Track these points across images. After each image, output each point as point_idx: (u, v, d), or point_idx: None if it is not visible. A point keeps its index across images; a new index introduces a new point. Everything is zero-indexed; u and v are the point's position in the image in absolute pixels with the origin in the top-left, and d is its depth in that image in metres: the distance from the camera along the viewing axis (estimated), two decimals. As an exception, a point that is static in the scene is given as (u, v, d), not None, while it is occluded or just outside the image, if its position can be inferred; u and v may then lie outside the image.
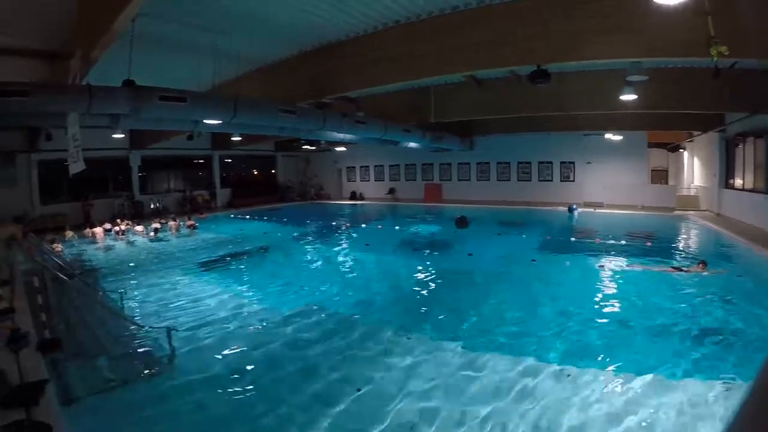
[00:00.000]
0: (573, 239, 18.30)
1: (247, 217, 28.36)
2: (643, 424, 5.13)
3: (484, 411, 5.46)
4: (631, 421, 5.18)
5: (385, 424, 5.27)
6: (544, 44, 10.55)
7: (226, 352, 7.67)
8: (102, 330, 8.39)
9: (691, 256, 13.72)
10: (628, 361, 6.70)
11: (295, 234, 21.15)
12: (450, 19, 11.54)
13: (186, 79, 15.32)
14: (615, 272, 12.24)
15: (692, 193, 25.45)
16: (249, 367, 7.08)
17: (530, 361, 6.80)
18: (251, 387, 6.39)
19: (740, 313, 8.62)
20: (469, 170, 32.48)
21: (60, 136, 15.48)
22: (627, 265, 12.83)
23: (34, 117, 13.26)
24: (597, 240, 17.00)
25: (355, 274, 13.55)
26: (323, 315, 9.42)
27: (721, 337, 7.49)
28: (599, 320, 8.73)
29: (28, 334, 5.26)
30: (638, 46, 9.73)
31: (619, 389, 5.89)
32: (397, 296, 11.07)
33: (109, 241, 19.68)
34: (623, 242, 16.37)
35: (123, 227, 21.04)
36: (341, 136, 20.83)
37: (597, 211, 25.10)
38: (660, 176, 28.81)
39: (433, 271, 13.18)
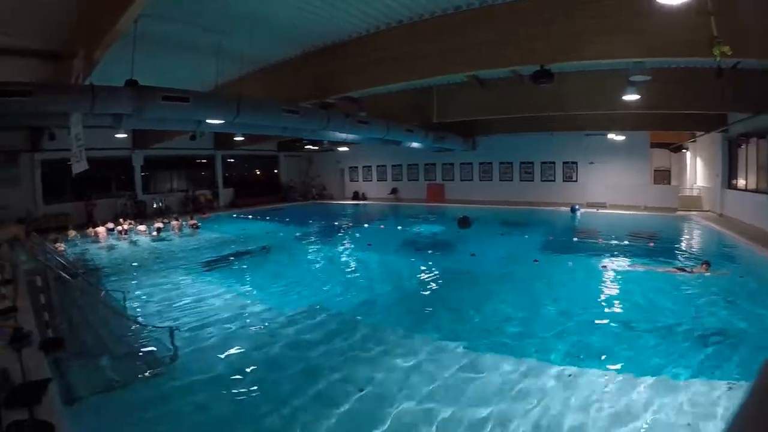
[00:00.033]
0: (575, 239, 18.27)
1: (250, 217, 28.36)
2: (646, 424, 5.12)
3: (486, 412, 5.45)
4: (633, 421, 5.16)
5: (388, 425, 5.27)
6: (545, 44, 10.56)
7: (228, 352, 7.66)
8: (104, 329, 8.41)
9: (694, 256, 13.68)
10: (632, 362, 6.69)
11: (298, 234, 21.15)
12: (452, 19, 11.55)
13: (188, 80, 15.34)
14: (618, 273, 12.22)
15: (695, 193, 25.42)
16: (251, 367, 7.08)
17: (532, 361, 6.79)
18: (253, 387, 6.39)
19: (743, 313, 8.61)
20: (472, 170, 32.46)
21: (63, 135, 15.50)
22: (630, 266, 12.81)
23: (37, 117, 13.27)
24: (600, 240, 16.97)
25: (357, 275, 13.54)
26: (326, 315, 9.40)
27: (725, 338, 7.47)
28: (602, 321, 8.69)
29: (30, 333, 5.27)
30: (638, 46, 9.74)
31: (622, 390, 5.86)
32: (399, 296, 11.07)
33: (112, 241, 19.71)
34: (626, 243, 16.34)
35: (126, 227, 21.07)
36: (344, 136, 20.82)
37: (599, 211, 25.05)
38: (663, 176, 28.76)
39: (436, 272, 13.16)
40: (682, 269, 11.73)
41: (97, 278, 12.60)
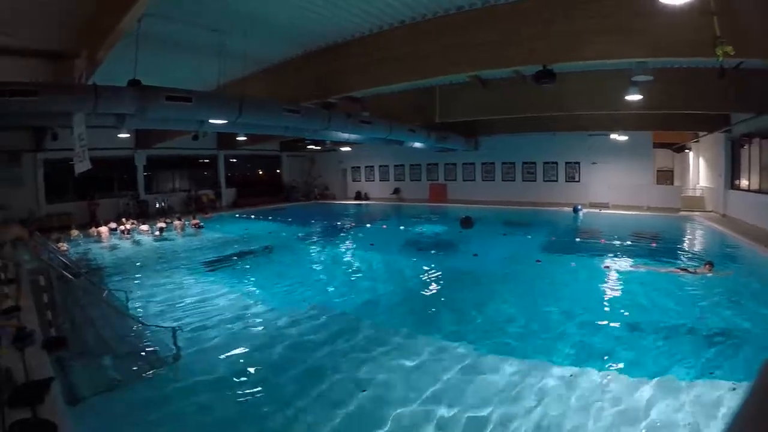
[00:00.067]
0: (578, 240, 18.26)
1: (252, 216, 28.38)
2: (648, 425, 5.12)
3: (489, 412, 5.45)
4: (636, 422, 5.16)
5: (390, 426, 5.27)
6: (545, 44, 10.57)
7: (231, 352, 7.66)
8: (107, 329, 8.43)
9: (697, 257, 13.65)
10: (635, 363, 6.68)
11: (300, 234, 21.17)
12: (455, 19, 11.55)
13: (191, 80, 15.38)
14: (620, 273, 12.20)
15: (698, 193, 25.36)
16: (254, 368, 7.09)
17: (534, 362, 6.78)
18: (257, 387, 6.39)
19: (747, 313, 8.58)
20: (474, 170, 32.47)
21: (66, 135, 15.53)
22: (632, 266, 12.78)
23: (40, 117, 13.28)
24: (602, 241, 16.93)
25: (360, 275, 13.53)
26: (328, 315, 9.39)
27: (729, 339, 7.45)
28: (604, 321, 8.68)
29: (33, 332, 5.28)
30: (639, 46, 9.75)
31: (624, 390, 5.85)
32: (402, 297, 11.06)
33: (115, 241, 19.74)
34: (628, 243, 16.30)
35: (128, 226, 21.12)
36: (346, 136, 20.82)
37: (602, 211, 25.00)
38: (665, 177, 28.75)
39: (438, 272, 13.14)
40: (686, 270, 11.70)
41: (99, 278, 12.60)
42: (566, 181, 28.78)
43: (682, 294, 10.09)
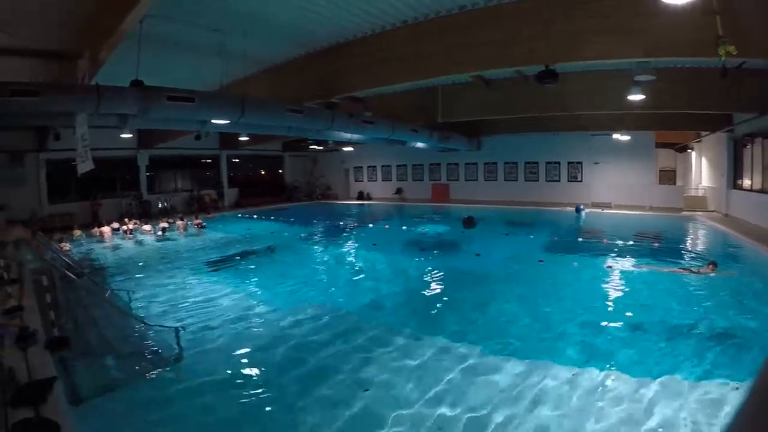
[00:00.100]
0: (580, 240, 18.26)
1: (255, 216, 28.39)
2: (651, 425, 5.11)
3: (491, 413, 5.45)
4: (638, 422, 5.15)
5: (392, 426, 5.27)
6: (545, 44, 10.60)
7: (233, 352, 7.67)
8: (110, 329, 8.43)
9: (700, 256, 13.63)
10: (638, 363, 6.67)
11: (303, 234, 21.15)
12: (457, 18, 11.56)
13: (193, 80, 15.42)
14: (623, 273, 12.17)
15: (700, 193, 25.29)
16: (257, 368, 7.11)
17: (537, 362, 6.76)
18: (259, 387, 6.39)
19: (751, 313, 8.56)
20: (477, 170, 32.44)
21: (68, 135, 15.55)
22: (635, 266, 12.76)
23: (43, 117, 13.31)
24: (605, 240, 16.91)
25: (362, 275, 13.53)
26: (331, 316, 9.40)
27: (733, 339, 7.44)
28: (607, 321, 8.67)
29: (36, 332, 5.30)
30: (639, 46, 9.76)
31: (627, 390, 5.84)
32: (404, 297, 11.06)
33: (117, 241, 19.77)
34: (631, 243, 16.28)
35: (131, 226, 21.13)
36: (349, 136, 20.82)
37: (604, 211, 24.97)
38: (668, 177, 28.66)
39: (441, 272, 13.13)
40: (689, 270, 11.68)
41: (102, 278, 12.63)
42: (569, 181, 28.75)
43: (685, 294, 10.06)
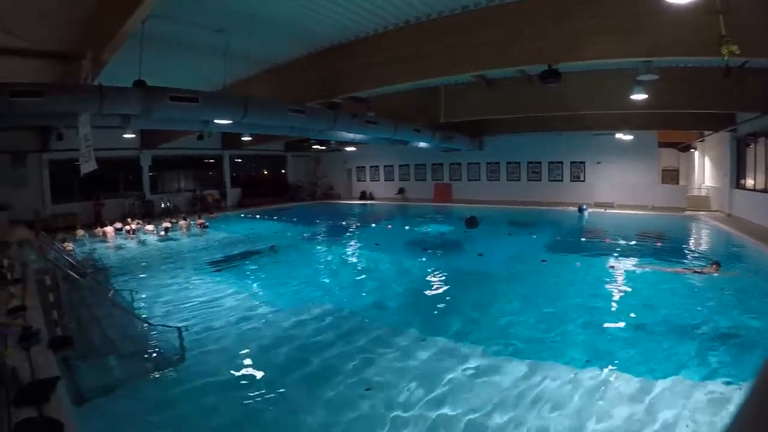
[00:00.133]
0: (583, 239, 18.23)
1: (257, 216, 28.44)
2: (653, 426, 5.10)
3: (493, 413, 5.45)
4: (641, 422, 5.15)
5: (395, 427, 5.27)
6: (546, 44, 10.61)
7: (236, 352, 7.68)
8: (113, 329, 8.44)
9: (703, 256, 13.60)
10: (641, 363, 6.65)
11: (306, 234, 21.21)
12: (459, 18, 11.56)
13: (195, 80, 15.42)
14: (626, 273, 12.14)
15: (703, 193, 25.26)
16: (259, 367, 7.10)
17: (539, 362, 6.75)
18: (262, 388, 6.39)
19: (755, 313, 8.53)
20: (479, 170, 32.41)
21: (71, 135, 15.57)
22: (638, 266, 12.73)
23: (46, 117, 13.34)
24: (607, 240, 16.89)
25: (365, 275, 13.51)
26: (334, 316, 9.38)
27: (736, 339, 7.41)
28: (611, 321, 8.66)
29: (39, 331, 5.32)
30: (639, 46, 9.77)
31: (631, 390, 5.83)
32: (407, 297, 11.05)
33: (120, 240, 19.82)
34: (634, 243, 16.26)
35: (134, 226, 21.16)
36: (351, 136, 20.84)
37: (607, 211, 24.96)
38: (671, 176, 28.63)
39: (443, 272, 13.10)
40: (692, 270, 11.66)
41: (105, 277, 12.66)
42: (571, 181, 28.70)
43: (689, 294, 10.04)
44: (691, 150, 27.55)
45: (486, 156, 31.53)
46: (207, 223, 22.92)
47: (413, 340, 7.85)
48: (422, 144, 25.53)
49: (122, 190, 28.10)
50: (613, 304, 9.90)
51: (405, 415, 5.46)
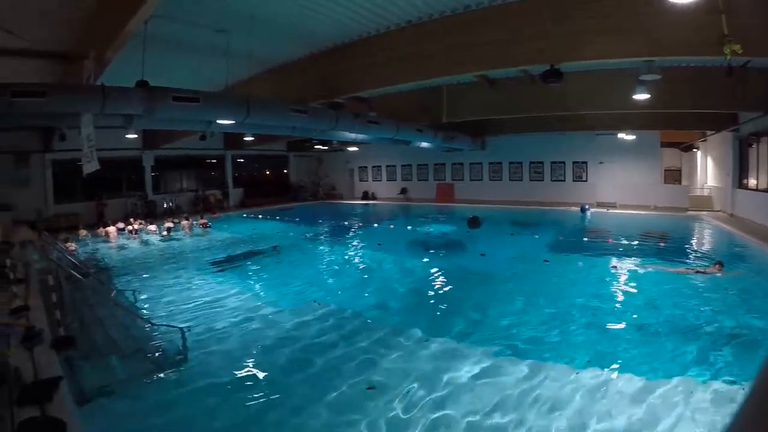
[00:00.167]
0: (586, 239, 18.22)
1: (260, 216, 28.46)
2: (655, 426, 5.09)
3: (495, 413, 5.44)
4: (644, 423, 5.14)
5: (397, 427, 5.27)
6: (546, 44, 10.63)
7: (239, 352, 7.67)
8: (115, 328, 8.45)
9: (706, 256, 13.58)
10: (643, 363, 6.64)
11: (308, 234, 21.21)
12: (461, 18, 11.58)
13: (198, 80, 15.43)
14: (629, 273, 12.13)
15: (705, 193, 25.23)
16: (262, 367, 7.10)
17: (541, 362, 6.74)
18: (264, 388, 6.39)
19: (758, 312, 8.51)
20: (482, 170, 32.39)
21: (74, 136, 15.59)
22: (641, 266, 12.71)
23: (48, 117, 13.34)
24: (610, 240, 16.88)
25: (367, 275, 13.53)
26: (337, 317, 9.36)
27: (740, 339, 7.39)
28: (613, 322, 8.63)
29: (42, 331, 5.32)
30: (639, 45, 9.79)
31: (633, 391, 5.82)
32: (409, 297, 11.04)
33: (123, 240, 19.85)
34: (636, 243, 16.25)
35: (136, 226, 21.22)
36: (353, 136, 20.82)
37: (609, 211, 24.93)
38: (673, 176, 28.58)
39: (446, 272, 13.11)
40: (695, 270, 11.65)
41: (107, 277, 12.67)
42: (573, 181, 28.67)
43: (692, 294, 10.01)
44: (694, 150, 27.51)
45: (488, 156, 31.50)
46: (209, 224, 22.96)
47: (416, 341, 7.85)
48: (424, 144, 25.51)
49: (125, 191, 28.09)
50: (616, 304, 9.88)
51: (408, 415, 5.45)
